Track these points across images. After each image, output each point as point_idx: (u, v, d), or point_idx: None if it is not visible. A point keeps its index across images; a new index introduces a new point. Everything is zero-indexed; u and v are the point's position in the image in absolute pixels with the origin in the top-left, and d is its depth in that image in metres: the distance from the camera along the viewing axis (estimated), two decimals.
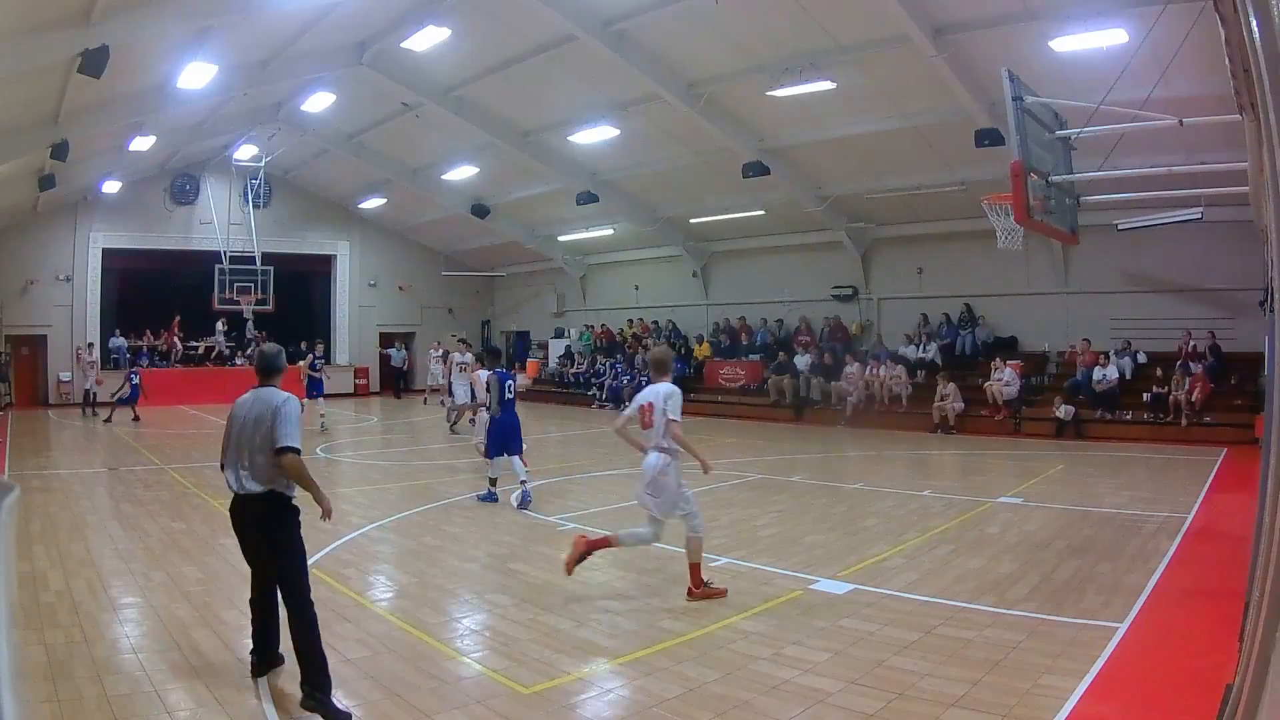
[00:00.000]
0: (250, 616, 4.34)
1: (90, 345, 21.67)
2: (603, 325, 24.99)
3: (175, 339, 24.00)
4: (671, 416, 5.51)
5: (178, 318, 24.19)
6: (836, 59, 13.17)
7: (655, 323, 23.54)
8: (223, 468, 4.25)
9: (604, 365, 23.14)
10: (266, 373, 4.34)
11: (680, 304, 23.51)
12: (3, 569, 1.16)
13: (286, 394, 4.24)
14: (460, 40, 14.58)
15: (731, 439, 15.24)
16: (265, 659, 4.27)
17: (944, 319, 18.07)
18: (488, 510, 8.75)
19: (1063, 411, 14.45)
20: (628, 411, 5.84)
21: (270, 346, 4.54)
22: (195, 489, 9.81)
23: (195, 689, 4.08)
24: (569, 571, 5.63)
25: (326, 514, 4.33)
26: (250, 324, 24.72)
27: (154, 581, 6.02)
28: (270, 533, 4.12)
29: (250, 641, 4.34)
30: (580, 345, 25.12)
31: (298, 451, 4.07)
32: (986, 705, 3.85)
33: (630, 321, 24.26)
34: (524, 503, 8.77)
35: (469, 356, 15.76)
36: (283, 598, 4.12)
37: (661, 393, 5.61)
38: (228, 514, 4.25)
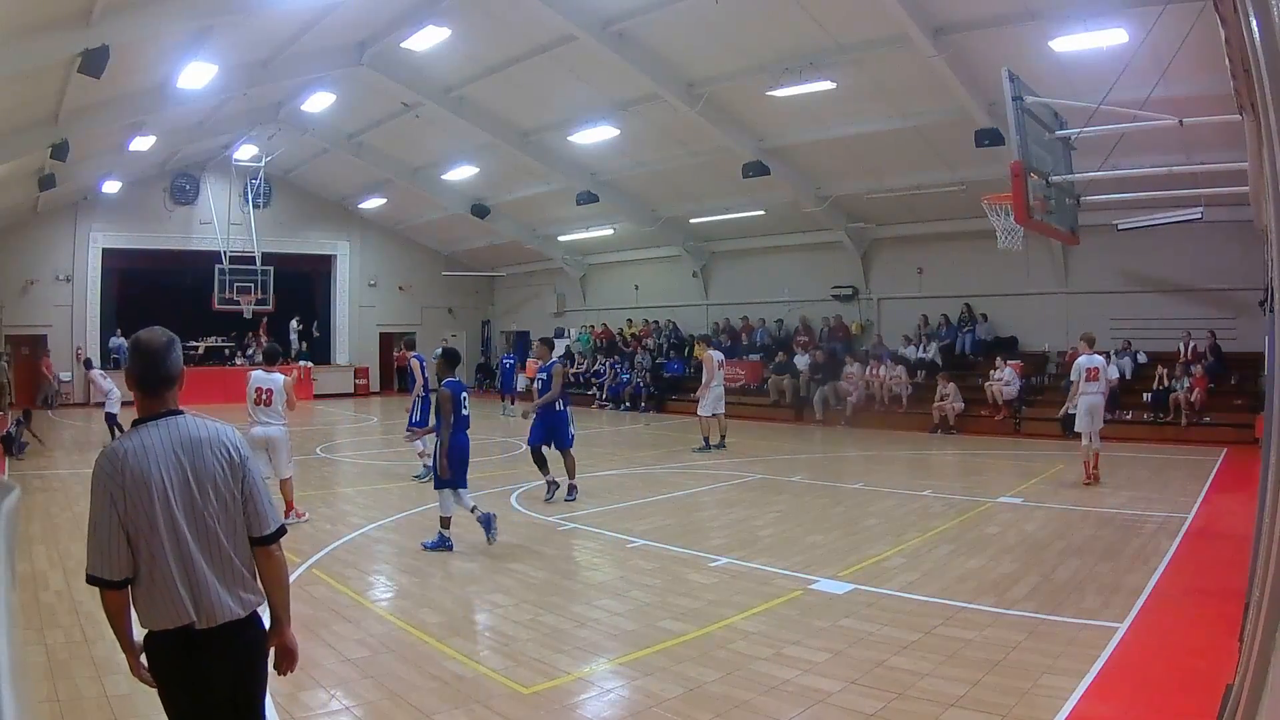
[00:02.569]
0: None
1: (115, 350, 21.19)
2: (603, 325, 24.99)
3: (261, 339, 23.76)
4: None
5: (265, 320, 24.35)
6: (836, 59, 13.17)
7: (655, 323, 23.55)
8: (129, 583, 2.30)
9: (604, 365, 23.15)
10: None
11: (680, 304, 23.52)
12: (3, 569, 1.16)
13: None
14: (460, 40, 14.58)
15: (731, 439, 15.22)
16: None
17: (944, 319, 18.07)
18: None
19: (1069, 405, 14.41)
20: None
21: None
22: None
23: None
24: None
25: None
26: (295, 325, 24.93)
27: None
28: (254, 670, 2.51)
29: None
30: (580, 346, 25.10)
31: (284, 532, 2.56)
32: (986, 705, 3.85)
33: (629, 321, 24.27)
34: (490, 527, 7.06)
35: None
36: None
37: None
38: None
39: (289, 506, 8.01)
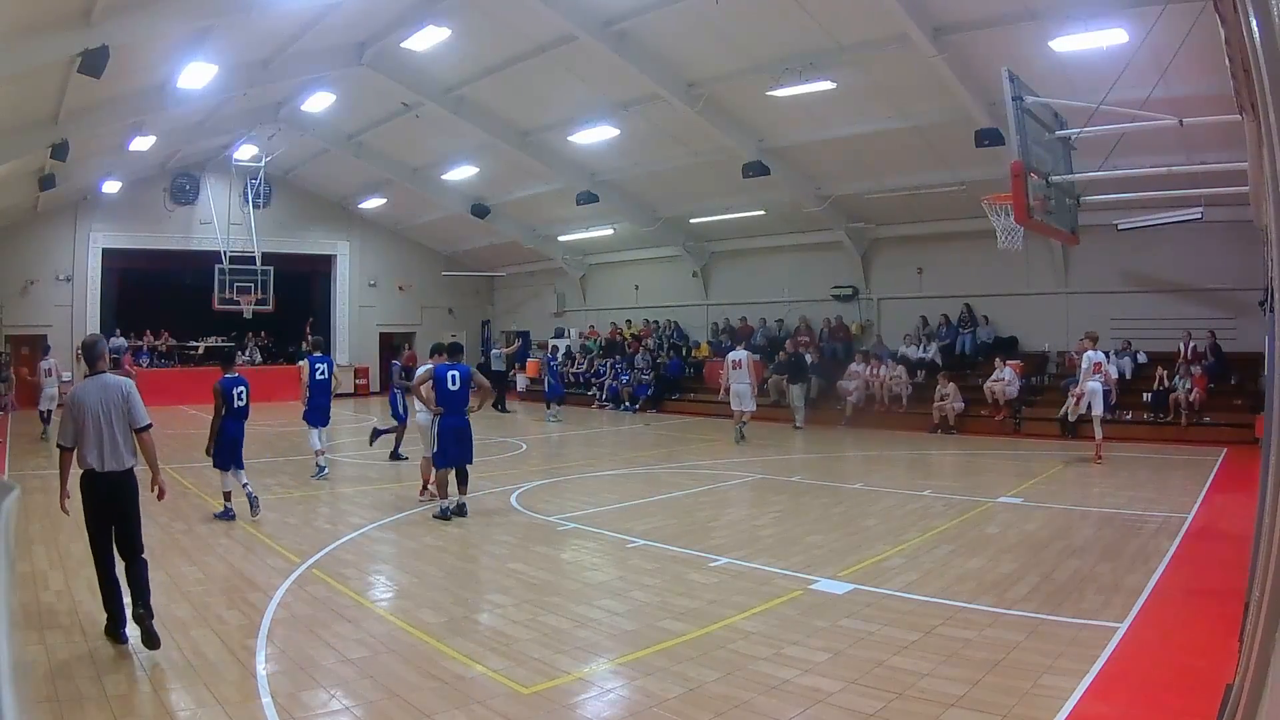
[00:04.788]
0: (107, 589, 4.82)
1: (116, 350, 20.74)
2: (610, 325, 24.88)
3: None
4: None
5: (310, 320, 24.25)
6: (836, 59, 13.16)
7: (655, 323, 23.55)
8: (75, 451, 4.76)
9: (603, 365, 23.15)
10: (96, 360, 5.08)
11: (680, 304, 23.51)
12: (3, 569, 1.16)
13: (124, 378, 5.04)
14: (460, 40, 14.58)
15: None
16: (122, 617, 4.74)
17: (944, 319, 18.07)
18: (487, 510, 8.74)
19: (1070, 404, 14.40)
20: None
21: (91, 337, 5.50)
22: (195, 489, 9.81)
23: (195, 689, 4.08)
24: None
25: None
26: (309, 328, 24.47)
27: (154, 581, 5.97)
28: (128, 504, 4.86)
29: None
30: (586, 345, 25.06)
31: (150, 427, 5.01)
32: (986, 705, 3.85)
33: (628, 322, 24.25)
34: (444, 514, 8.12)
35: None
36: (132, 553, 4.82)
37: None
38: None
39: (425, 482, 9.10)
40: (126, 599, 4.73)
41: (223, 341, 25.18)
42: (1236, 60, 4.06)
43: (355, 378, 26.79)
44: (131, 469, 4.82)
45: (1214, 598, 5.40)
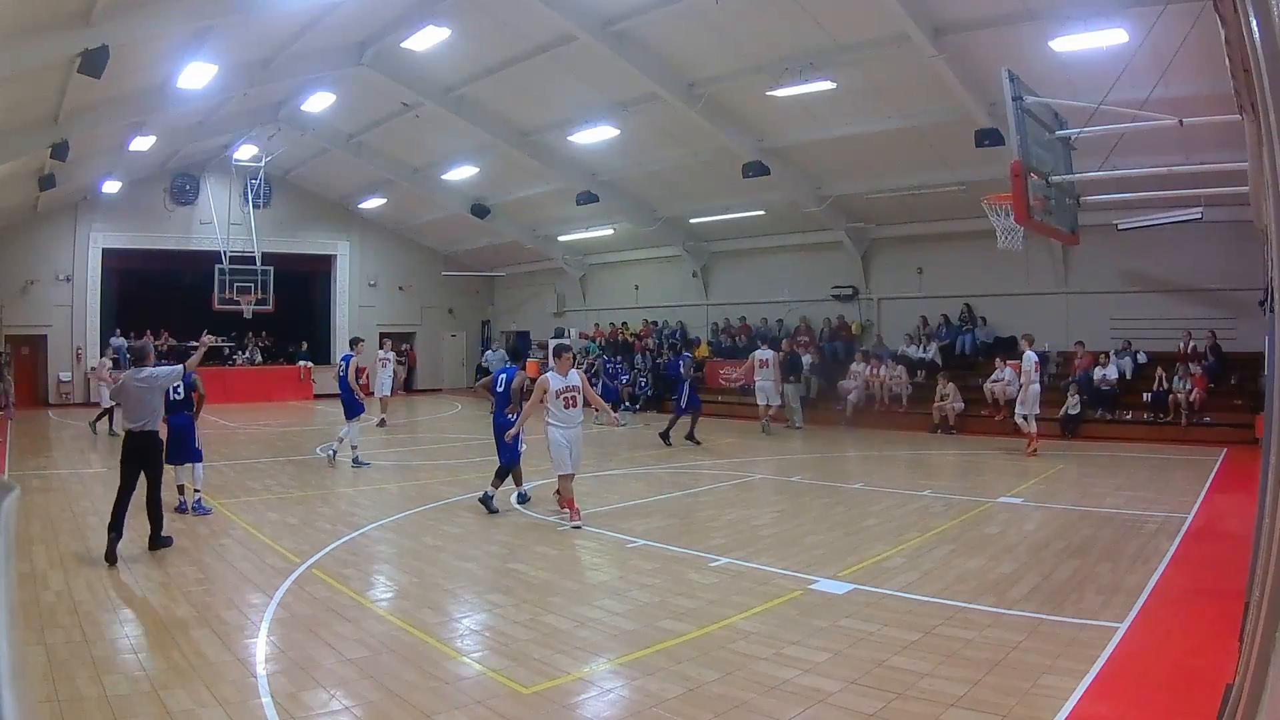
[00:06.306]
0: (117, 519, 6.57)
1: (116, 350, 20.86)
2: (610, 325, 24.84)
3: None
4: None
5: (361, 341, 23.93)
6: (836, 59, 13.17)
7: (655, 323, 23.53)
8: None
9: (612, 364, 23.08)
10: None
11: (680, 304, 23.51)
12: (3, 569, 1.16)
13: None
14: (460, 40, 14.58)
15: (731, 439, 15.25)
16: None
17: (944, 319, 18.07)
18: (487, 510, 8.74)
19: (1072, 403, 14.45)
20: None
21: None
22: (191, 486, 9.78)
23: (195, 689, 4.08)
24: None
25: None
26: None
27: (154, 581, 6.02)
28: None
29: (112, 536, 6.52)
30: (588, 345, 25.02)
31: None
32: (986, 705, 3.85)
33: (625, 323, 24.21)
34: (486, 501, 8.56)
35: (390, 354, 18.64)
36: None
37: None
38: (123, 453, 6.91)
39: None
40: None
41: (223, 341, 25.17)
42: (1236, 60, 4.06)
43: (355, 378, 26.75)
44: (154, 431, 6.94)
45: (1214, 598, 5.40)
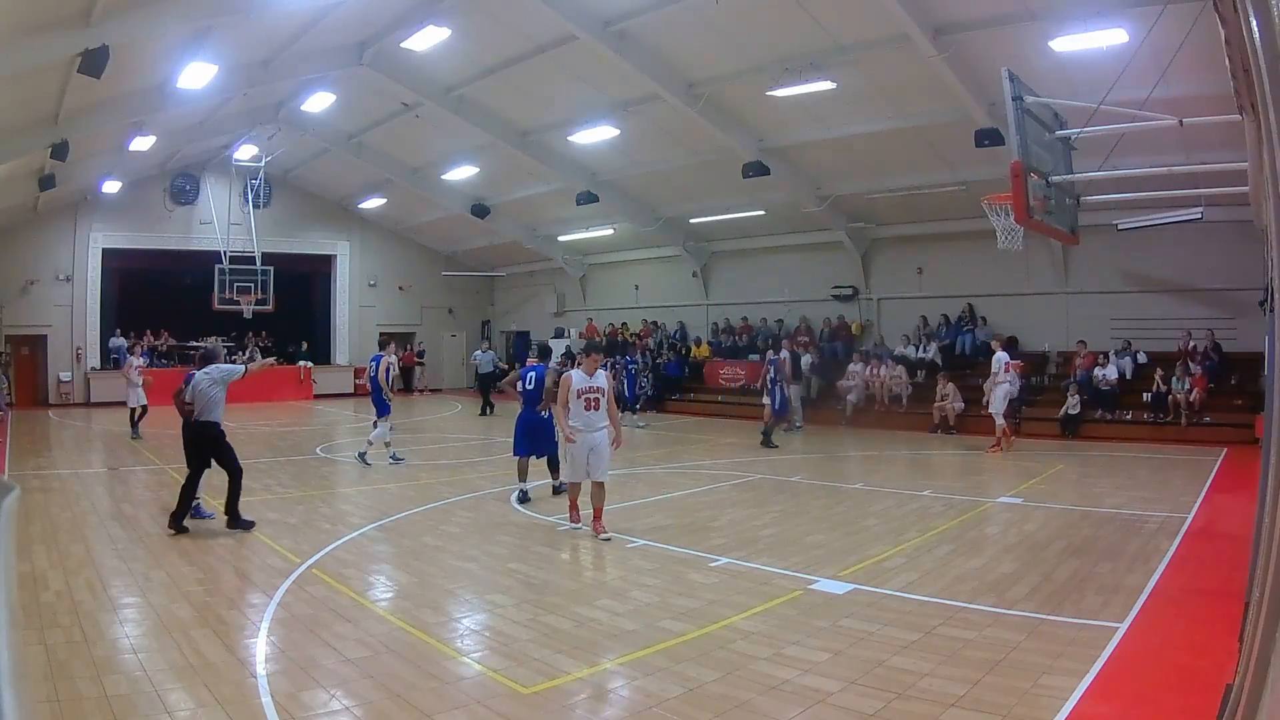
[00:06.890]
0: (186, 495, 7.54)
1: (115, 350, 20.65)
2: (608, 325, 24.81)
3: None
4: None
5: (392, 342, 23.68)
6: (836, 59, 13.17)
7: (655, 323, 23.52)
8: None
9: (602, 365, 23.03)
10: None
11: (680, 304, 23.50)
12: (3, 569, 1.16)
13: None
14: (460, 40, 14.58)
15: (731, 439, 15.25)
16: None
17: (944, 319, 18.07)
18: (487, 510, 8.75)
19: (1072, 403, 14.46)
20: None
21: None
22: None
23: (195, 689, 4.08)
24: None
25: None
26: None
27: (154, 581, 6.02)
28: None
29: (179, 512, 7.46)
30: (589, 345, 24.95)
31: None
32: (986, 705, 3.85)
33: (624, 324, 24.18)
34: (523, 496, 9.05)
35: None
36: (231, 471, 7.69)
37: None
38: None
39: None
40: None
41: (223, 342, 25.17)
42: (1236, 60, 4.06)
43: (355, 377, 26.79)
44: (211, 419, 7.65)
45: (1214, 598, 5.40)
